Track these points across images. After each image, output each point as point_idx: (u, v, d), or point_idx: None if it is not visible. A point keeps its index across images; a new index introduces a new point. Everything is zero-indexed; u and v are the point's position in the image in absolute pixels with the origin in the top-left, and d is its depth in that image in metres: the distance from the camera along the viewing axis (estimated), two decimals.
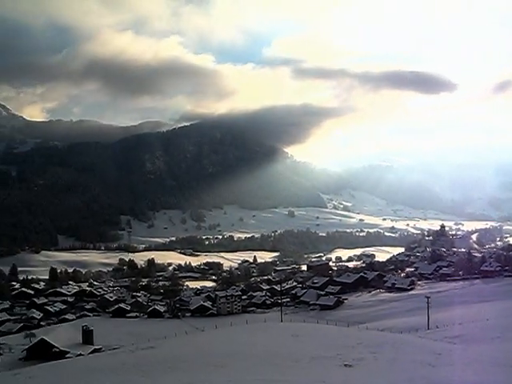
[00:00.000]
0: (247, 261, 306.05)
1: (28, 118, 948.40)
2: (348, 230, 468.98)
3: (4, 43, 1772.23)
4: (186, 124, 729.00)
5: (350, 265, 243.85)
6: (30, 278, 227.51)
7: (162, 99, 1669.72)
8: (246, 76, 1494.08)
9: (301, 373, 30.46)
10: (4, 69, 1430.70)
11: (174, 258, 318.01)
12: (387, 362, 34.15)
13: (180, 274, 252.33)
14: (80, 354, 79.24)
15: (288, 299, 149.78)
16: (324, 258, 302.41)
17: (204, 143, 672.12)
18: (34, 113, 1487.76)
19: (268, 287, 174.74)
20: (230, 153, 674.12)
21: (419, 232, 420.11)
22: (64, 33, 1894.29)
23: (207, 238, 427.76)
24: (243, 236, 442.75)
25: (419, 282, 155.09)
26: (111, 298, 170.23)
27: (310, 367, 32.15)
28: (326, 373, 30.02)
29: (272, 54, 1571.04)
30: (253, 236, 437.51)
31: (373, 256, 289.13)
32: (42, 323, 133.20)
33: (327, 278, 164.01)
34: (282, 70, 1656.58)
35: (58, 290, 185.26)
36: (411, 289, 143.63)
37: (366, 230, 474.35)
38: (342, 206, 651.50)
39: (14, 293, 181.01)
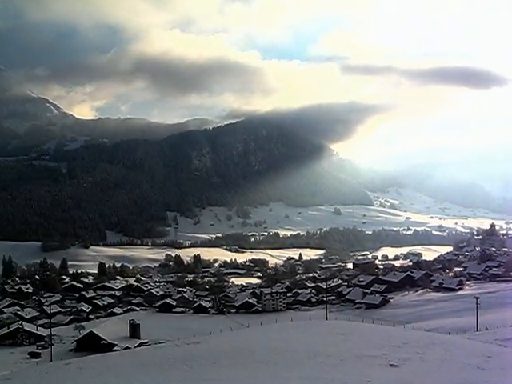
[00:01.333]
0: (292, 258, 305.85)
1: (78, 117, 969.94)
2: (395, 228, 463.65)
3: (56, 44, 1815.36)
4: (233, 121, 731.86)
5: (397, 263, 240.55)
6: (79, 272, 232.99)
7: (209, 97, 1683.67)
8: (291, 73, 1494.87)
9: (345, 371, 30.18)
10: (55, 69, 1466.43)
11: (220, 255, 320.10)
12: (434, 363, 33.52)
13: (225, 271, 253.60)
14: (127, 347, 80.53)
15: (333, 297, 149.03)
16: (370, 256, 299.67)
17: (250, 140, 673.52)
18: (83, 111, 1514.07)
19: (313, 285, 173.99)
20: (275, 150, 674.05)
21: (468, 231, 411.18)
22: (113, 32, 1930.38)
23: (253, 235, 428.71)
24: (289, 233, 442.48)
25: (468, 282, 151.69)
26: (158, 293, 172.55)
27: (355, 366, 31.84)
28: (370, 372, 29.66)
29: (318, 51, 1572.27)
30: (298, 233, 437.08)
31: (420, 255, 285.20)
32: (90, 316, 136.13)
33: (373, 277, 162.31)
34: (328, 67, 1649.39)
35: (106, 284, 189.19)
36: (459, 289, 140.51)
37: (412, 228, 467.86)
38: (388, 204, 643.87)
39: (64, 286, 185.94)
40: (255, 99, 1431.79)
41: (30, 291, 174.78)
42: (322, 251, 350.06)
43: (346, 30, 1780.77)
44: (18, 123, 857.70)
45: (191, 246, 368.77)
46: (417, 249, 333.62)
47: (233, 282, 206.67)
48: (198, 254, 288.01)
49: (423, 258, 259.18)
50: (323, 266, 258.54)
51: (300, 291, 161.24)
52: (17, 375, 46.40)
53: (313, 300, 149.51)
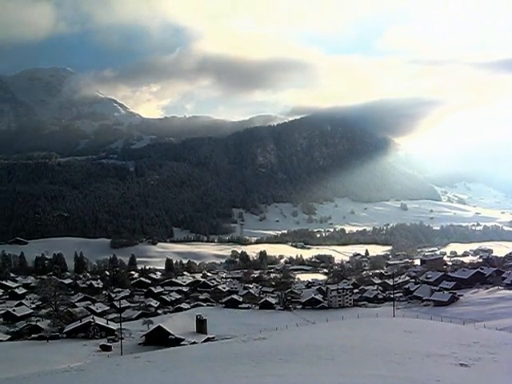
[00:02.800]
0: (359, 254, 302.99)
1: (144, 116, 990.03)
2: (463, 224, 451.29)
3: (123, 46, 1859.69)
4: (297, 117, 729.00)
5: (466, 260, 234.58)
6: (147, 268, 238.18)
7: (273, 93, 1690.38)
8: (355, 67, 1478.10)
9: (414, 370, 29.64)
10: (123, 70, 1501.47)
11: (286, 251, 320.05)
12: (507, 363, 32.50)
13: (291, 267, 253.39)
14: (194, 342, 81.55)
15: (400, 294, 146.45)
16: (438, 253, 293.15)
17: (315, 136, 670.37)
18: (149, 110, 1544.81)
19: (380, 281, 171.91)
20: (340, 145, 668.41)
21: None
22: (177, 32, 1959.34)
23: (318, 231, 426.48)
24: (354, 229, 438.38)
25: None
26: (224, 288, 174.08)
27: (424, 365, 31.22)
28: (440, 371, 29.01)
29: (383, 45, 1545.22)
30: (364, 229, 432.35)
31: (490, 251, 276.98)
32: (158, 311, 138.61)
33: (441, 273, 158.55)
34: (392, 61, 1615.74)
35: (174, 280, 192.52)
36: None
37: (482, 223, 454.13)
38: (456, 199, 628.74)
39: (133, 282, 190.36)
40: (319, 95, 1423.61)
41: (101, 286, 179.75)
42: (389, 247, 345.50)
43: (409, 23, 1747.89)
44: (87, 123, 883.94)
45: (257, 242, 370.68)
46: (487, 245, 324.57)
47: (298, 279, 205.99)
48: (264, 251, 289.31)
49: (494, 254, 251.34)
50: (390, 262, 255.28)
51: (366, 288, 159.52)
52: (90, 367, 47.79)
53: (379, 297, 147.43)
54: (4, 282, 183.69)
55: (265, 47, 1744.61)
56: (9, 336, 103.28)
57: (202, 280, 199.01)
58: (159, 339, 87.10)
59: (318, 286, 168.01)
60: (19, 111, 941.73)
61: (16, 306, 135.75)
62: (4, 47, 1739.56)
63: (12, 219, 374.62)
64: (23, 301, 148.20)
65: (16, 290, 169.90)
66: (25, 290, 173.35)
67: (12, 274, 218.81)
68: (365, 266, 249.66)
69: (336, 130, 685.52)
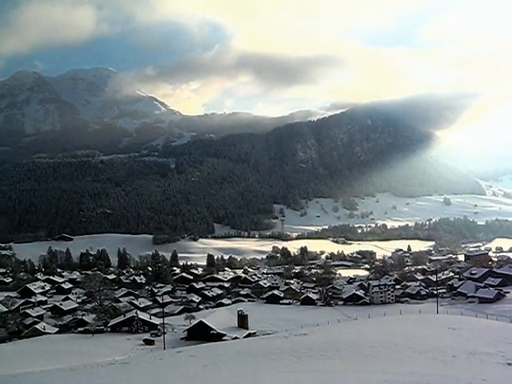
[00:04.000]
0: (401, 250, 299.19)
1: (184, 113, 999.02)
2: (510, 219, 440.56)
3: (163, 45, 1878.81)
4: (337, 112, 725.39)
5: None
6: (189, 263, 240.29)
7: (313, 88, 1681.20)
8: (395, 60, 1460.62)
9: (458, 368, 29.06)
10: (163, 68, 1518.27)
11: (327, 247, 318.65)
12: None
13: (332, 263, 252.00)
14: (235, 337, 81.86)
15: (444, 290, 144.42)
16: (483, 248, 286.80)
17: (355, 131, 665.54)
18: (189, 108, 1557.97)
19: (423, 277, 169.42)
20: (381, 139, 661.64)
21: None
22: (215, 30, 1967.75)
23: (360, 227, 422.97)
24: (396, 224, 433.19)
25: None
26: (265, 284, 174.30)
27: (469, 363, 30.60)
28: (486, 370, 28.37)
29: (424, 37, 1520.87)
30: (406, 224, 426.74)
31: None
32: (200, 306, 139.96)
33: (487, 269, 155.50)
34: (435, 53, 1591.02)
35: (215, 275, 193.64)
36: None
37: None
38: (502, 193, 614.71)
39: (175, 277, 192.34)
40: (359, 89, 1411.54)
41: (144, 282, 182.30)
42: (432, 243, 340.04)
43: (452, 13, 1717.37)
44: (129, 122, 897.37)
45: (298, 237, 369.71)
46: None
47: (340, 274, 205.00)
48: (305, 246, 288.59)
49: None
50: (433, 257, 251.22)
51: (409, 284, 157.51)
52: (134, 360, 48.60)
53: (422, 293, 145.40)
54: (51, 277, 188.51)
55: (304, 42, 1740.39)
56: (57, 329, 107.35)
57: (243, 276, 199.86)
58: (201, 334, 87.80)
59: (359, 282, 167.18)
60: (63, 111, 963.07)
61: (63, 300, 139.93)
62: (49, 49, 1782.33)
63: (58, 216, 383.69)
64: (69, 295, 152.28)
65: (63, 285, 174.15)
66: (71, 285, 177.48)
67: (58, 270, 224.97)
68: (407, 261, 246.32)
69: (377, 124, 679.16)
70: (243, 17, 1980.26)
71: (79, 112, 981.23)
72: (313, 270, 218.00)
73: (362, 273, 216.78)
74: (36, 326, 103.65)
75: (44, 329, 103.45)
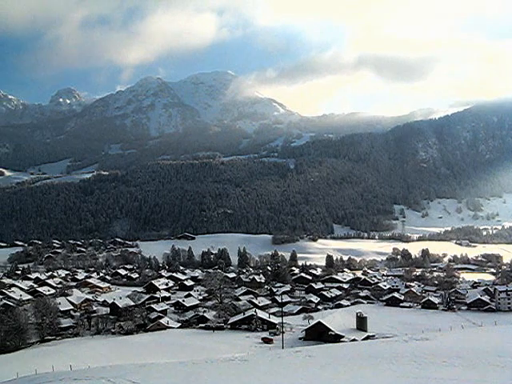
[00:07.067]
0: None
1: (303, 114, 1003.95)
2: None
3: (281, 46, 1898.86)
4: (460, 109, 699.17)
5: None
6: (307, 264, 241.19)
7: (434, 86, 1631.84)
8: None
9: None
10: (281, 70, 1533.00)
11: (449, 249, 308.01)
12: None
13: (455, 266, 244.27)
14: (354, 339, 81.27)
15: None
16: None
17: (480, 128, 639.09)
18: (307, 108, 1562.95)
19: None
20: (509, 137, 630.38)
21: None
22: (333, 29, 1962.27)
23: (485, 229, 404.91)
24: None
25: None
26: (385, 286, 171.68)
27: None
28: None
29: None
30: None
31: None
32: (318, 307, 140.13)
33: None
34: None
35: (334, 276, 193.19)
36: None
37: None
38: None
39: (293, 277, 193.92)
40: (483, 85, 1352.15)
41: (263, 281, 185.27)
42: None
43: None
44: (248, 123, 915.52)
45: (419, 239, 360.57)
46: None
47: (463, 278, 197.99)
48: (426, 248, 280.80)
49: None
50: None
51: None
52: (253, 357, 49.45)
53: None
54: (174, 275, 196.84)
55: (424, 39, 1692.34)
56: (179, 324, 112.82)
57: (363, 277, 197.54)
58: (319, 334, 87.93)
59: (484, 287, 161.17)
60: (185, 114, 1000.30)
61: (185, 296, 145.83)
62: (171, 56, 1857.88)
63: (180, 216, 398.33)
64: (191, 292, 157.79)
65: (185, 282, 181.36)
66: (192, 283, 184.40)
67: (181, 267, 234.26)
68: None
69: (503, 121, 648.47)
70: (358, 17, 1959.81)
71: (200, 115, 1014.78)
72: (434, 273, 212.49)
73: (488, 277, 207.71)
74: (160, 321, 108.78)
75: (168, 323, 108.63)
